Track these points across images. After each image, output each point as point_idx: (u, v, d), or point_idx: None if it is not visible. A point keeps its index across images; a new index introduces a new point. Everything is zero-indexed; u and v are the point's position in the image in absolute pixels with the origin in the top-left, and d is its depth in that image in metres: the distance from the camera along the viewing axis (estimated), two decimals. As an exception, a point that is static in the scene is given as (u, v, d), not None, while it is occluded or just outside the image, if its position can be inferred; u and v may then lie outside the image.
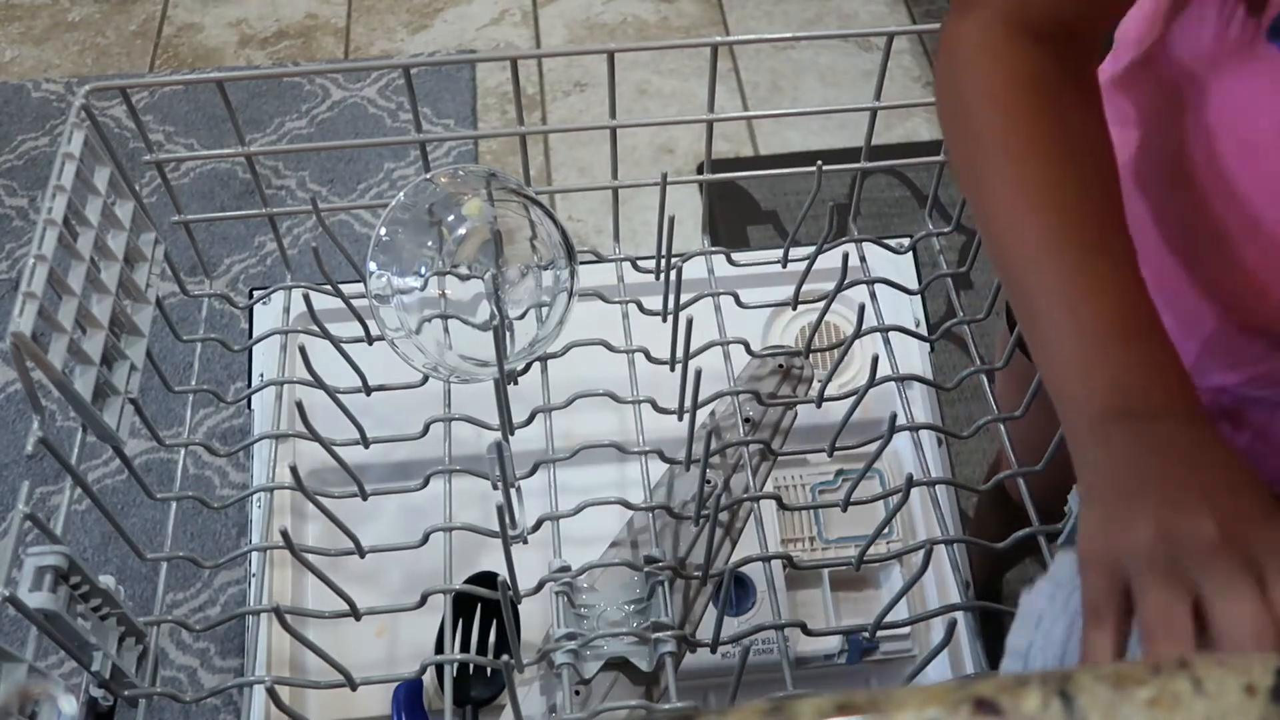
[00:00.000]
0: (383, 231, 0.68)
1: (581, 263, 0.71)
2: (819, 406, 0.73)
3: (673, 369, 0.72)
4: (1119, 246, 0.43)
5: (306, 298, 0.70)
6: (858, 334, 0.70)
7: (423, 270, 0.68)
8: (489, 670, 0.72)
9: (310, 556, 0.62)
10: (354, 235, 1.80)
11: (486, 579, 0.71)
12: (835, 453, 0.70)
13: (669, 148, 2.00)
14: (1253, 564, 0.36)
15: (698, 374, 0.64)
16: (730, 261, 0.81)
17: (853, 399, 0.68)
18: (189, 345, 0.77)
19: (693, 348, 0.70)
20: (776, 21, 2.19)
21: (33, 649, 0.51)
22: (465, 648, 0.71)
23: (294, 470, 0.61)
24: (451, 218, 0.69)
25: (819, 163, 0.74)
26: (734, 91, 2.06)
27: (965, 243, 0.75)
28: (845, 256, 0.72)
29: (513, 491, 0.67)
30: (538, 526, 0.66)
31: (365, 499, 0.67)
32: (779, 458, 0.72)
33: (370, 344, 0.73)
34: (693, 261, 0.78)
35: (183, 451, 0.71)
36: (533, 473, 0.68)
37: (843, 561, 0.68)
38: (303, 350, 0.66)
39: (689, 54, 2.08)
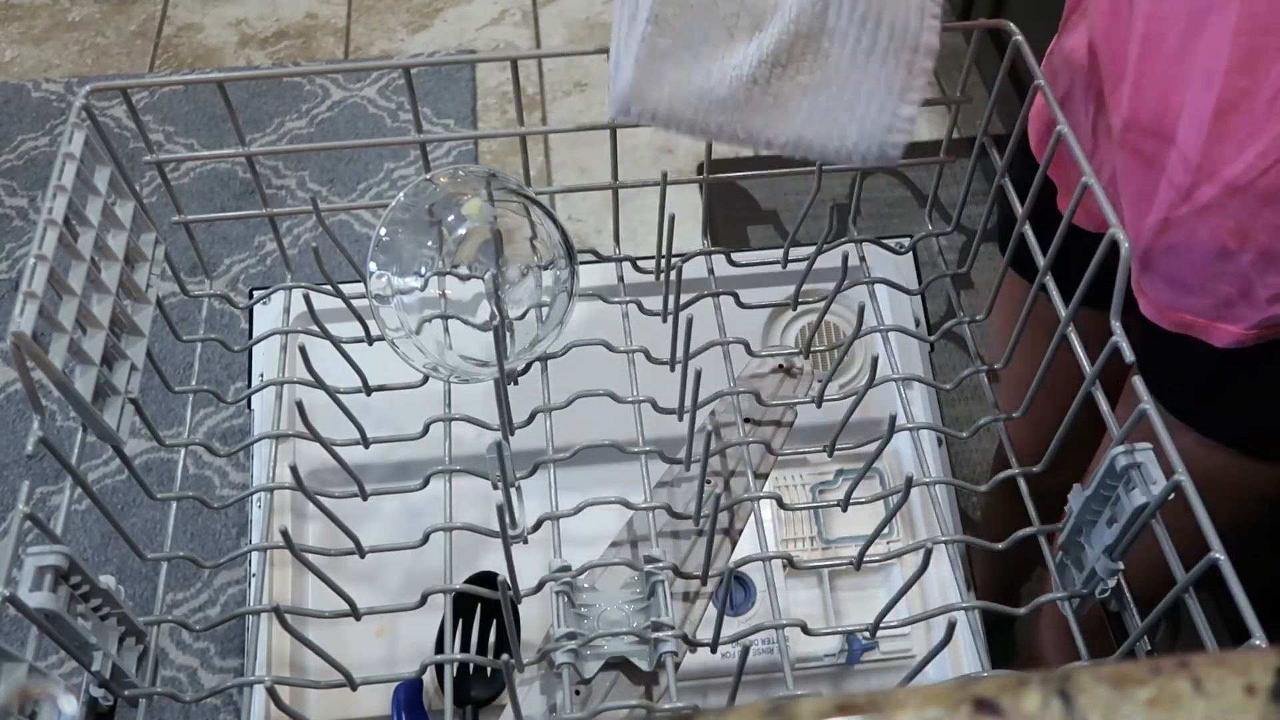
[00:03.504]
0: (383, 231, 0.68)
1: (581, 263, 0.71)
2: (819, 406, 0.73)
3: (673, 369, 0.72)
4: None
5: (306, 298, 0.70)
6: (857, 334, 0.70)
7: (423, 270, 0.68)
8: (489, 670, 0.72)
9: (310, 556, 0.62)
10: (354, 235, 1.80)
11: (486, 579, 0.72)
12: (835, 453, 0.70)
13: (669, 148, 2.00)
14: None
15: (698, 374, 0.64)
16: (730, 261, 0.81)
17: (853, 399, 0.68)
18: (189, 345, 0.77)
19: (693, 348, 0.70)
20: (776, 21, 2.19)
21: (33, 649, 0.51)
22: (465, 648, 0.71)
23: (294, 470, 0.61)
24: (451, 218, 0.69)
25: (819, 163, 0.74)
26: (734, 91, 2.06)
27: (965, 243, 0.75)
28: (845, 256, 0.71)
29: (513, 491, 0.67)
30: (538, 526, 0.66)
31: (365, 499, 0.67)
32: (779, 458, 0.72)
33: (370, 344, 0.73)
34: (693, 261, 0.78)
35: (183, 451, 0.71)
36: (533, 473, 0.68)
37: (843, 561, 0.68)
38: (303, 350, 0.66)
39: (689, 54, 2.08)
